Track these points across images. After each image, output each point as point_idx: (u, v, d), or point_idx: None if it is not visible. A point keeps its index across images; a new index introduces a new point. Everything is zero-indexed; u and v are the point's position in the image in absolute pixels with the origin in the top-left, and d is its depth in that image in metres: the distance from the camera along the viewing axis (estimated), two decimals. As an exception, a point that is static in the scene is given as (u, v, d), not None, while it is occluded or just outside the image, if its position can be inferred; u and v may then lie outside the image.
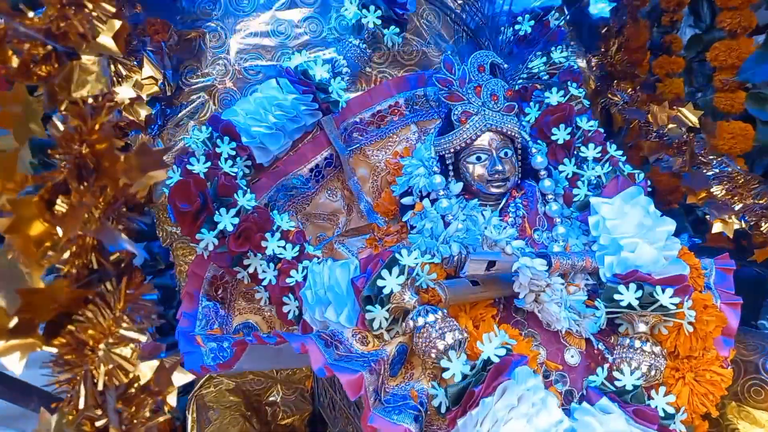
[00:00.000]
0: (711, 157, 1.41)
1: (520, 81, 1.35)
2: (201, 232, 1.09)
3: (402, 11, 1.29)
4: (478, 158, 1.12)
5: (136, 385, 0.61)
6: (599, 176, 1.19)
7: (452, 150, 1.14)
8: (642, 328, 1.00)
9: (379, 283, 0.92)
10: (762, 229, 1.29)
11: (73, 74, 0.59)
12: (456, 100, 1.13)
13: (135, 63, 1.25)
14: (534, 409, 0.81)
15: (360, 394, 0.80)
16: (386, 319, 0.92)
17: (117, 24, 0.62)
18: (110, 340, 0.59)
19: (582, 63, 1.61)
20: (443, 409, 0.84)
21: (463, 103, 1.12)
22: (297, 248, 1.13)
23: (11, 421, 2.38)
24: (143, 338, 0.60)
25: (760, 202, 1.31)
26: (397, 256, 0.94)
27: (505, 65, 1.16)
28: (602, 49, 1.67)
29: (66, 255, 0.58)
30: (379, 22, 1.28)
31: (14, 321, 0.56)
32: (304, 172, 1.29)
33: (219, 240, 1.10)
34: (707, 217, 1.35)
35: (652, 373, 0.97)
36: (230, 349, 0.96)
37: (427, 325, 0.90)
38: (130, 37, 1.24)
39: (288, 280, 1.08)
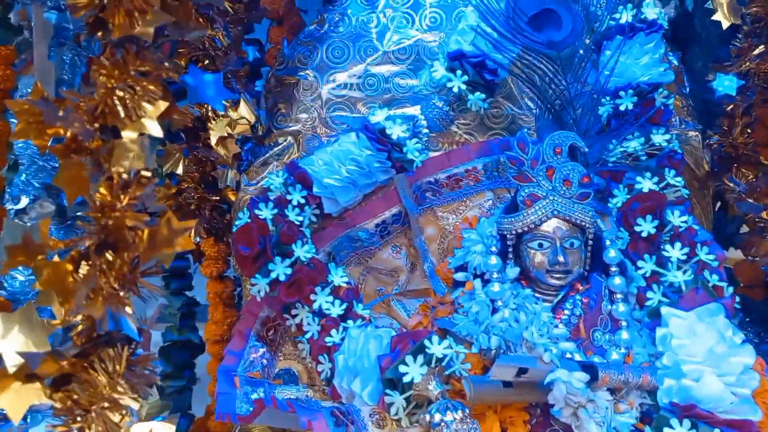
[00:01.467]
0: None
1: (613, 160, 1.26)
2: (256, 277, 1.13)
3: (491, 77, 1.25)
4: (540, 245, 1.06)
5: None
6: (680, 282, 1.07)
7: (515, 231, 1.08)
8: (693, 467, 0.88)
9: (402, 368, 0.90)
10: None
11: (114, 150, 0.64)
12: (524, 181, 1.08)
13: (231, 104, 1.34)
14: None
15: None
16: (404, 408, 0.90)
17: (163, 106, 0.66)
18: (104, 404, 0.62)
19: (696, 141, 1.47)
20: None
21: (531, 185, 1.07)
22: (344, 306, 1.14)
23: None
24: (136, 406, 0.63)
25: None
26: (426, 343, 0.91)
27: (585, 149, 1.08)
28: (725, 128, 1.51)
29: (78, 318, 0.63)
30: (464, 87, 1.25)
31: (15, 367, 0.61)
32: (371, 227, 1.30)
33: (271, 286, 1.13)
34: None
35: None
36: (251, 408, 0.98)
37: (443, 424, 0.86)
38: (229, 79, 1.33)
39: (327, 339, 1.09)
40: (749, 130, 1.51)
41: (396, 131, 1.26)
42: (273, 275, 1.12)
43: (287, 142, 1.40)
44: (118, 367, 0.63)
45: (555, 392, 0.88)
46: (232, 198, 1.43)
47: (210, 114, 1.32)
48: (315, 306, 1.13)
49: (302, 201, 1.22)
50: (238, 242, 1.14)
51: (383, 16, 1.37)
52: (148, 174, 0.65)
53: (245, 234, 1.15)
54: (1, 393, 0.60)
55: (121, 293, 0.63)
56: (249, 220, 1.18)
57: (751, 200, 1.42)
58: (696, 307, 0.99)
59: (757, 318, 1.56)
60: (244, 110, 1.35)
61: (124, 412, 0.63)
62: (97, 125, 0.64)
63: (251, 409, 0.98)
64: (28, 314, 0.63)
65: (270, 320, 1.24)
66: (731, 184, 1.45)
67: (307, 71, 1.38)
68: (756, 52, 1.45)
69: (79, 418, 0.62)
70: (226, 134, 1.33)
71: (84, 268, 0.62)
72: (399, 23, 1.37)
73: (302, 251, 1.16)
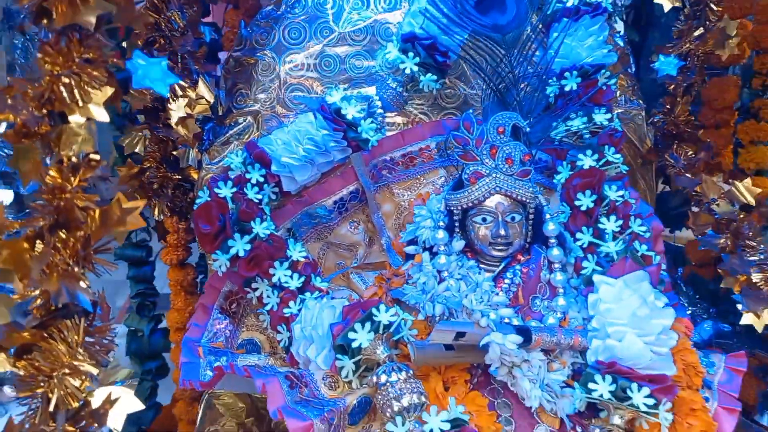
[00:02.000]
0: (758, 240, 1.31)
1: (557, 138, 1.33)
2: (217, 252, 1.18)
3: (442, 59, 1.30)
4: (484, 219, 1.13)
5: (86, 409, 0.70)
6: (613, 252, 1.15)
7: (460, 207, 1.15)
8: (616, 420, 0.98)
9: (351, 335, 0.96)
10: (797, 330, 1.19)
11: (62, 135, 0.68)
12: (469, 159, 1.14)
13: (190, 84, 1.37)
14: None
15: (306, 439, 0.86)
16: (353, 371, 0.97)
17: (109, 91, 0.70)
18: (65, 371, 0.68)
19: (639, 119, 1.55)
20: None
21: (476, 163, 1.13)
22: (302, 279, 1.20)
23: None
24: (95, 371, 0.69)
25: (801, 300, 1.20)
26: (373, 311, 0.98)
27: (527, 128, 1.15)
28: (667, 107, 1.59)
29: (37, 292, 0.67)
30: (416, 68, 1.30)
31: None
32: (329, 204, 1.35)
33: (231, 262, 1.18)
34: (739, 306, 1.26)
35: (618, 468, 0.95)
36: (212, 372, 1.05)
37: (389, 384, 0.93)
38: (186, 60, 1.36)
39: (285, 311, 1.15)
40: (689, 109, 1.59)
41: (351, 111, 1.31)
42: (233, 251, 1.18)
43: (247, 121, 1.44)
44: (76, 336, 0.68)
45: (491, 353, 0.95)
46: (194, 177, 1.47)
47: (169, 94, 1.34)
48: (274, 280, 1.19)
49: (261, 179, 1.27)
50: (198, 220, 1.19)
51: (338, -2, 1.41)
52: (97, 157, 0.69)
53: (205, 212, 1.19)
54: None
55: (75, 269, 0.67)
56: (209, 199, 1.23)
57: (689, 175, 1.50)
58: (624, 275, 1.07)
59: (706, 294, 1.66)
60: (203, 90, 1.38)
61: (84, 377, 0.68)
62: (45, 111, 0.68)
63: (210, 377, 1.04)
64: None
65: (232, 294, 1.30)
66: (671, 160, 1.53)
67: (265, 52, 1.42)
68: (695, 33, 1.52)
69: (42, 384, 0.67)
70: (185, 114, 1.36)
71: (39, 247, 0.67)
72: (355, 4, 1.41)
73: (261, 228, 1.21)
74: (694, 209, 1.47)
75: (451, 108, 1.42)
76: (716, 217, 1.40)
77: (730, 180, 1.42)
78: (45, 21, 0.67)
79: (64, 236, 0.67)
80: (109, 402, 0.70)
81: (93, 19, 0.65)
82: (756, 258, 1.32)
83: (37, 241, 0.67)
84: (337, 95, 1.34)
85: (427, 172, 1.38)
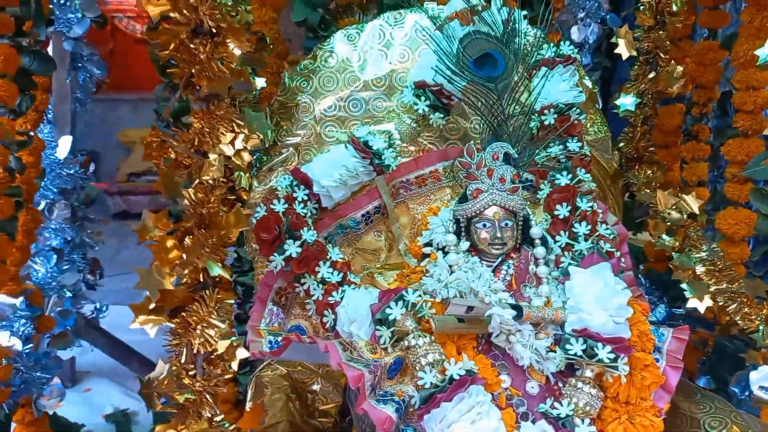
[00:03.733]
0: (701, 241, 1.65)
1: (540, 162, 1.67)
2: (274, 255, 1.50)
3: (447, 101, 1.65)
4: (484, 225, 1.46)
5: (215, 353, 1.02)
6: (583, 250, 1.48)
7: (465, 216, 1.48)
8: (588, 373, 1.30)
9: (387, 311, 1.29)
10: (728, 309, 1.52)
11: (204, 166, 1.01)
12: (471, 179, 1.48)
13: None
14: (478, 417, 1.14)
15: (359, 385, 1.17)
16: (390, 338, 1.29)
17: (231, 136, 1.04)
18: (204, 324, 1.00)
19: (607, 145, 1.90)
20: (416, 407, 1.19)
21: (476, 182, 1.47)
22: (341, 275, 1.51)
23: (118, 377, 2.98)
24: (222, 326, 1.01)
25: (732, 286, 1.54)
26: (403, 293, 1.30)
27: (516, 156, 1.49)
28: (629, 135, 1.94)
29: (186, 271, 1.00)
30: (427, 109, 1.65)
31: (153, 305, 0.98)
32: (357, 216, 1.68)
33: (286, 262, 1.50)
34: (686, 293, 1.60)
35: (587, 408, 1.27)
36: (280, 342, 1.36)
37: (417, 346, 1.25)
38: (242, 103, 1.69)
39: (330, 299, 1.47)
40: (648, 137, 1.95)
41: (376, 144, 1.65)
42: (287, 253, 1.49)
43: (289, 152, 1.76)
44: (211, 302, 1.00)
45: (492, 324, 1.28)
46: (245, 197, 1.79)
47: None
48: (319, 276, 1.50)
49: (305, 198, 1.59)
50: (259, 230, 1.51)
51: (363, 53, 1.76)
52: (224, 180, 1.02)
53: (264, 224, 1.51)
54: (142, 321, 0.97)
55: (213, 256, 1.00)
56: (266, 213, 1.55)
57: (648, 190, 1.85)
58: (592, 266, 1.41)
59: (661, 285, 2.01)
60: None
61: (215, 330, 1.00)
62: (192, 150, 1.00)
63: (278, 346, 1.35)
64: (149, 273, 1.00)
65: (282, 290, 1.60)
66: (633, 179, 1.89)
67: (304, 97, 1.76)
68: (649, 76, 1.88)
69: (188, 334, 0.99)
70: (242, 147, 1.69)
71: (188, 240, 0.99)
72: (375, 58, 1.76)
73: (308, 235, 1.53)
74: (652, 217, 1.82)
75: (454, 139, 1.75)
76: (668, 224, 1.75)
77: (680, 194, 1.77)
78: (190, 90, 1.00)
79: (205, 233, 0.99)
80: (231, 350, 1.02)
81: (225, 90, 0.98)
82: (699, 255, 1.66)
83: (186, 237, 1.00)
84: (364, 130, 1.68)
85: (436, 191, 1.71)
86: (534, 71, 1.70)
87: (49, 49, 2.22)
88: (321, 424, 1.80)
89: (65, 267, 2.30)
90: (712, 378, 1.79)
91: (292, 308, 1.62)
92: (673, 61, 1.85)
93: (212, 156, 1.01)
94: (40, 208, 2.43)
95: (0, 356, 1.49)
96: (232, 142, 1.03)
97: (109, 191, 6.09)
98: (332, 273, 1.51)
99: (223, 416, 0.99)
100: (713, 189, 1.95)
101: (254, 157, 1.80)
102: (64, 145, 2.27)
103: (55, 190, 2.39)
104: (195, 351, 0.98)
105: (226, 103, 1.03)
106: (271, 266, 1.53)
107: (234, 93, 1.04)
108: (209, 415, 0.97)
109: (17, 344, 1.59)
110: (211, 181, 1.01)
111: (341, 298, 1.45)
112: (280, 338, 1.39)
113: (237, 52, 0.97)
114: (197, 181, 1.01)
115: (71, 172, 2.34)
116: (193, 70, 0.99)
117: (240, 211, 1.01)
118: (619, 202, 1.96)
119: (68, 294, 2.28)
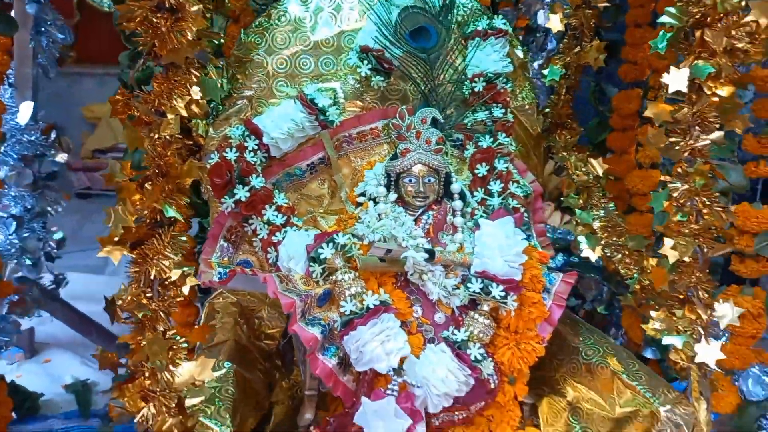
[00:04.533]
0: (600, 201, 1.92)
1: (468, 125, 1.89)
2: (225, 198, 1.70)
3: (387, 66, 1.83)
4: (410, 180, 1.69)
5: (169, 280, 1.23)
6: (494, 205, 1.73)
7: (395, 172, 1.70)
8: (485, 307, 1.57)
9: (319, 251, 1.52)
10: (613, 259, 1.81)
11: (161, 124, 1.20)
12: (401, 139, 1.69)
13: (204, 74, 1.85)
14: (387, 338, 1.40)
15: (291, 310, 1.41)
16: (320, 273, 1.52)
17: (187, 98, 1.22)
18: (159, 256, 1.21)
19: (532, 111, 2.12)
20: (338, 330, 1.44)
21: (405, 142, 1.69)
22: (285, 218, 1.73)
23: (77, 348, 2.99)
24: (175, 257, 1.22)
25: (619, 240, 1.82)
26: (334, 236, 1.54)
27: (442, 120, 1.70)
28: (553, 102, 2.16)
29: (146, 212, 1.20)
30: (369, 72, 1.83)
31: (117, 238, 1.19)
32: (303, 166, 1.87)
33: (235, 205, 1.71)
34: (580, 244, 1.88)
35: (481, 335, 1.54)
36: (227, 274, 1.58)
37: (342, 280, 1.50)
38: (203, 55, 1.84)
39: (273, 238, 1.69)
40: (570, 106, 2.17)
41: (321, 101, 1.83)
42: (237, 197, 1.70)
43: (243, 103, 1.93)
44: (166, 237, 1.21)
45: (408, 264, 1.53)
46: (202, 142, 1.96)
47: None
48: (265, 218, 1.72)
49: (255, 147, 1.78)
50: (212, 175, 1.70)
51: (314, 15, 1.91)
52: (179, 135, 1.20)
53: (217, 169, 1.70)
54: (108, 252, 1.17)
55: (169, 199, 1.20)
56: (218, 160, 1.74)
57: (565, 153, 2.09)
58: (498, 219, 1.65)
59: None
60: (214, 78, 1.87)
61: (169, 261, 1.22)
62: (153, 110, 1.18)
63: (225, 277, 1.58)
64: (116, 211, 1.20)
65: (233, 228, 1.81)
66: (553, 142, 2.12)
67: (258, 53, 1.91)
68: (575, 50, 2.09)
69: (145, 263, 1.20)
70: (199, 96, 1.84)
71: (148, 186, 1.19)
72: (326, 20, 1.91)
73: (256, 181, 1.73)
74: (564, 178, 2.08)
75: (394, 100, 1.94)
76: (577, 184, 2.01)
77: (589, 158, 2.02)
78: (152, 57, 1.17)
79: (162, 181, 1.19)
80: (182, 277, 1.23)
81: (182, 59, 1.15)
82: (598, 213, 1.93)
83: (147, 183, 1.19)
84: (312, 87, 1.86)
85: (375, 146, 1.91)
86: (468, 40, 1.89)
87: (12, 13, 2.20)
88: (266, 345, 2.05)
89: (25, 235, 2.31)
90: (657, 349, 2.08)
91: (241, 245, 1.83)
92: (596, 39, 2.06)
93: (170, 116, 1.19)
94: (0, 175, 2.40)
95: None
96: (187, 105, 1.21)
97: (72, 167, 5.83)
98: (277, 216, 1.72)
99: (174, 330, 1.21)
100: (665, 172, 2.19)
101: (211, 107, 1.97)
102: (25, 111, 2.27)
103: (15, 156, 2.37)
104: (152, 277, 1.19)
105: (183, 70, 1.20)
106: (222, 208, 1.73)
107: (190, 62, 1.21)
108: (163, 329, 1.19)
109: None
110: (168, 137, 1.19)
111: (283, 238, 1.68)
112: (227, 270, 1.61)
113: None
114: (156, 136, 1.19)
115: (32, 138, 2.32)
116: (155, 42, 1.15)
117: (192, 163, 1.21)
118: (542, 162, 2.20)
119: (27, 261, 2.32)
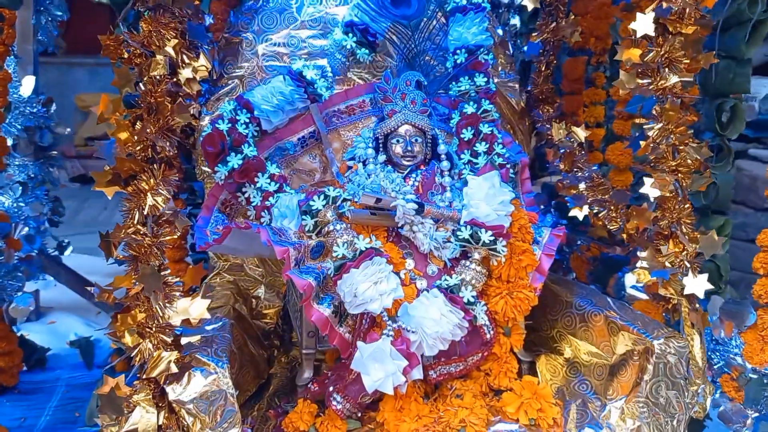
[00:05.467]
0: (584, 164, 1.96)
1: (453, 94, 1.94)
2: (218, 166, 1.74)
3: (372, 39, 1.90)
4: (398, 141, 1.73)
5: (162, 217, 1.26)
6: (480, 163, 1.77)
7: (383, 134, 1.75)
8: (476, 255, 1.59)
9: (311, 203, 1.55)
10: (599, 215, 1.84)
11: (152, 64, 1.25)
12: (387, 101, 1.74)
13: (194, 55, 1.92)
14: (379, 280, 1.42)
15: (284, 256, 1.43)
16: (313, 226, 1.55)
17: (175, 42, 1.27)
18: (152, 192, 1.24)
19: (514, 87, 2.18)
20: (332, 275, 1.46)
21: (391, 103, 1.74)
22: (277, 185, 1.76)
23: (80, 311, 3.19)
24: (168, 195, 1.25)
25: (604, 197, 1.86)
26: (325, 189, 1.57)
27: (425, 83, 1.76)
28: (534, 78, 2.23)
29: (138, 148, 1.24)
30: (355, 45, 1.90)
31: (111, 175, 1.22)
32: (294, 140, 1.93)
33: (229, 173, 1.74)
34: (568, 204, 1.91)
35: (473, 281, 1.56)
36: (220, 233, 1.61)
37: (335, 230, 1.52)
38: (193, 37, 1.91)
39: (266, 203, 1.72)
40: (550, 80, 2.24)
41: (309, 74, 1.89)
42: (230, 164, 1.73)
43: (234, 83, 2.00)
44: (158, 173, 1.24)
45: (398, 214, 1.55)
46: (195, 123, 2.01)
47: (179, 62, 1.89)
48: (258, 185, 1.75)
49: (247, 120, 1.83)
50: (206, 144, 1.75)
51: (301, -5, 2.00)
52: (168, 75, 1.25)
53: (210, 139, 1.74)
54: (104, 186, 1.20)
55: (160, 137, 1.23)
56: (211, 131, 1.78)
57: (548, 125, 2.14)
58: (484, 173, 1.69)
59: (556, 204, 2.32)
60: (204, 61, 1.93)
61: (162, 197, 1.25)
62: (142, 48, 1.24)
63: (219, 235, 1.60)
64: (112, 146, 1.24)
65: (227, 201, 1.85)
66: (536, 116, 2.18)
67: (248, 33, 1.99)
68: (550, 27, 2.17)
69: (139, 201, 1.23)
70: (191, 77, 1.91)
71: (139, 124, 1.23)
72: (312, 1, 2.00)
73: (248, 150, 1.77)
74: (549, 147, 2.13)
75: (380, 74, 2.01)
76: (560, 152, 2.05)
77: (571, 127, 2.07)
78: (142, 2, 1.23)
79: (152, 118, 1.23)
80: (174, 214, 1.26)
81: (170, 2, 1.21)
82: (582, 175, 1.97)
83: (138, 121, 1.23)
84: (300, 63, 1.92)
85: (363, 119, 1.97)
86: (449, 15, 1.97)
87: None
88: (264, 324, 2.05)
89: (30, 200, 2.48)
90: (598, 284, 2.11)
91: (235, 217, 1.86)
92: (572, 14, 2.14)
93: (159, 56, 1.24)
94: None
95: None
96: (175, 47, 1.27)
97: (67, 155, 6.17)
98: (270, 183, 1.76)
99: (169, 270, 1.23)
100: (607, 128, 2.26)
101: (203, 89, 2.03)
102: (27, 84, 2.43)
103: (19, 127, 2.55)
104: (145, 213, 1.22)
105: (170, 12, 1.26)
106: (216, 177, 1.77)
107: (178, 4, 1.27)
108: (156, 263, 1.21)
109: (-11, 255, 1.79)
110: (158, 76, 1.24)
111: (276, 202, 1.71)
112: (221, 227, 1.63)
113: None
114: (147, 76, 1.24)
115: (34, 111, 2.50)
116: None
117: (182, 103, 1.25)
118: (527, 136, 2.26)
119: (32, 224, 2.46)
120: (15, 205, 2.47)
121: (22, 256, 2.36)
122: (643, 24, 1.48)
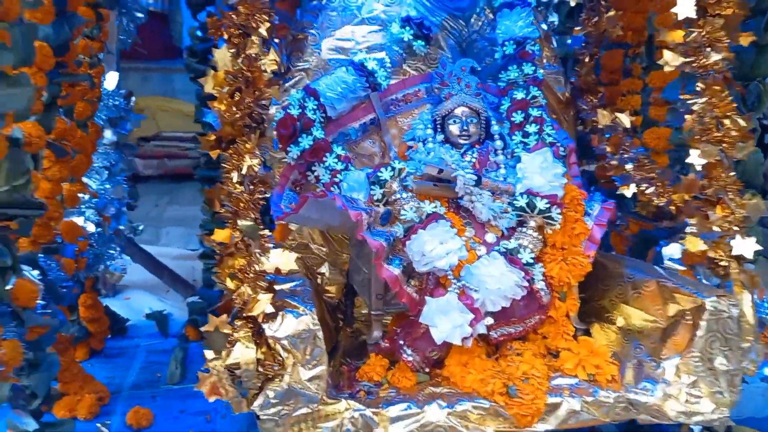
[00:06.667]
0: (630, 146, 2.08)
1: (502, 83, 2.09)
2: (291, 147, 1.90)
3: (427, 32, 2.07)
4: (454, 121, 1.88)
5: (257, 178, 1.42)
6: (531, 142, 1.91)
7: (440, 115, 1.90)
8: (532, 223, 1.72)
9: (379, 174, 1.71)
10: (646, 192, 1.95)
11: (248, 43, 1.42)
12: (444, 85, 1.90)
13: (266, 50, 2.11)
14: (445, 239, 1.55)
15: (359, 218, 1.58)
16: (381, 195, 1.70)
17: (267, 25, 1.45)
18: (250, 155, 1.41)
19: (559, 80, 2.32)
20: (401, 235, 1.60)
21: (448, 87, 1.89)
22: (344, 164, 1.92)
23: (153, 289, 3.45)
24: (262, 159, 1.42)
25: (649, 175, 1.97)
26: (392, 162, 1.72)
27: (479, 69, 1.91)
28: (578, 70, 2.36)
29: (237, 116, 1.41)
30: (411, 38, 2.06)
31: (213, 137, 1.39)
32: (356, 126, 2.09)
33: (301, 153, 1.91)
34: (616, 183, 2.03)
35: (531, 246, 1.68)
36: (298, 199, 1.77)
37: (401, 198, 1.67)
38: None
39: (335, 179, 1.87)
40: (593, 72, 2.37)
41: (371, 65, 2.05)
42: (302, 146, 1.90)
43: (300, 76, 2.18)
44: (254, 138, 1.41)
45: (458, 185, 1.70)
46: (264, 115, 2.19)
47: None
48: (327, 163, 1.91)
49: (315, 107, 2.00)
50: (279, 127, 1.92)
51: (360, -5, 2.18)
52: (262, 55, 1.43)
53: (283, 122, 1.91)
54: (207, 148, 1.37)
55: (257, 108, 1.41)
56: (283, 116, 1.96)
57: (592, 113, 2.27)
58: (537, 150, 1.83)
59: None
60: (274, 55, 2.12)
61: (258, 161, 1.41)
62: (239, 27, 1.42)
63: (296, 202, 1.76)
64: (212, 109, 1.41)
65: (297, 181, 2.01)
66: (581, 105, 2.31)
67: (313, 30, 2.17)
68: (593, 21, 2.31)
69: (238, 163, 1.40)
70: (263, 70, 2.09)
71: (237, 95, 1.40)
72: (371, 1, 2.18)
73: (317, 132, 1.93)
74: (594, 132, 2.25)
75: (433, 66, 2.16)
76: (606, 136, 2.18)
77: (616, 113, 2.20)
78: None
79: (248, 90, 1.41)
80: (268, 176, 1.42)
81: None
82: (629, 156, 2.09)
83: (236, 93, 1.40)
84: (362, 55, 2.09)
85: (419, 107, 2.12)
86: (497, 11, 2.13)
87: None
88: (329, 299, 2.20)
89: (113, 183, 2.74)
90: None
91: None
92: (612, 9, 2.27)
93: (253, 36, 1.42)
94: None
95: (77, 233, 1.88)
96: (267, 30, 1.44)
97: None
98: (337, 162, 1.92)
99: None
100: (644, 115, 2.37)
101: (273, 78, 2.21)
102: (111, 80, 2.66)
103: (104, 117, 2.80)
104: (244, 173, 1.38)
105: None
106: (288, 157, 1.93)
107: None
108: (253, 216, 1.37)
109: (90, 226, 1.98)
110: (253, 54, 1.42)
111: (345, 177, 1.86)
112: (293, 204, 1.79)
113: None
114: (243, 54, 1.42)
115: (116, 103, 2.74)
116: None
117: (276, 81, 1.43)
118: (572, 126, 2.38)
119: (116, 204, 2.74)
120: (103, 187, 2.72)
121: (112, 231, 2.62)
122: (685, 7, 1.61)
